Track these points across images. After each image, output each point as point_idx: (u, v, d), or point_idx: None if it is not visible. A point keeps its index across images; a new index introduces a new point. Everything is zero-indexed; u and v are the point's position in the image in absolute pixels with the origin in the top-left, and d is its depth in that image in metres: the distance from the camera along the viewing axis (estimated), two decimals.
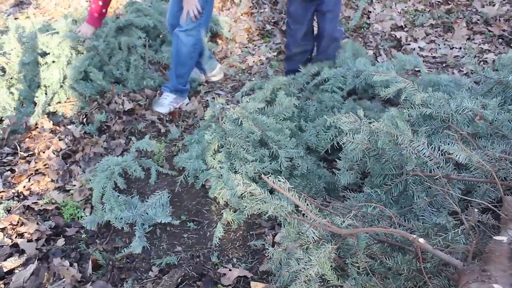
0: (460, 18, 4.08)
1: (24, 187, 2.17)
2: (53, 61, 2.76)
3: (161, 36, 3.41)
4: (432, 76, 2.45)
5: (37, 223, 1.92)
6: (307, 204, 1.30)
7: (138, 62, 2.97)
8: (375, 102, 2.44)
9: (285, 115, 2.21)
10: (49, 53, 2.76)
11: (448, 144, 1.49)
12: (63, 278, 1.68)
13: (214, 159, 2.06)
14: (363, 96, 2.56)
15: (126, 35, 3.09)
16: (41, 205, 2.05)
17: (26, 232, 1.88)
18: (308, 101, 2.44)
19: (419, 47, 3.79)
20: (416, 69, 3.06)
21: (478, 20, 4.03)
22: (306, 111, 2.38)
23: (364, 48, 3.20)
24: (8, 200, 2.07)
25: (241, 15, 4.30)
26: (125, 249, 1.81)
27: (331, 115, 2.21)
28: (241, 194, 1.43)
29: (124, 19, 3.14)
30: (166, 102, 2.87)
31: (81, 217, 2.00)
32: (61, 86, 2.74)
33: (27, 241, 1.84)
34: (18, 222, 1.92)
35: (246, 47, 3.94)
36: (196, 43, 2.72)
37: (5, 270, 1.70)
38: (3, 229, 1.88)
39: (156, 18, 3.31)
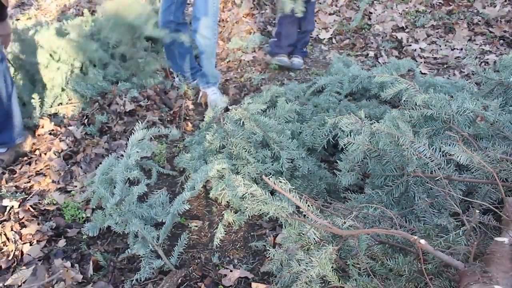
0: (461, 19, 4.08)
1: (25, 188, 2.17)
2: (54, 61, 2.76)
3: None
4: (428, 78, 2.46)
5: (38, 224, 1.92)
6: (308, 205, 1.30)
7: (139, 63, 2.97)
8: (372, 101, 2.46)
9: (286, 119, 2.23)
10: (50, 54, 2.76)
11: (449, 145, 1.49)
12: (64, 279, 1.68)
13: (215, 159, 2.06)
14: (360, 99, 2.58)
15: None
16: (42, 206, 2.05)
17: (27, 233, 1.88)
18: (304, 106, 2.47)
19: (420, 48, 3.79)
20: (411, 73, 3.07)
21: (479, 21, 4.02)
22: (302, 115, 2.41)
23: (352, 60, 3.29)
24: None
25: (243, 16, 4.30)
26: (128, 250, 1.81)
27: (327, 115, 2.22)
28: (242, 195, 1.43)
29: (126, 22, 3.14)
30: (219, 95, 2.94)
31: (82, 218, 2.00)
32: (62, 87, 2.74)
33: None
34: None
35: (247, 48, 3.94)
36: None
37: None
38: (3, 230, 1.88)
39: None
